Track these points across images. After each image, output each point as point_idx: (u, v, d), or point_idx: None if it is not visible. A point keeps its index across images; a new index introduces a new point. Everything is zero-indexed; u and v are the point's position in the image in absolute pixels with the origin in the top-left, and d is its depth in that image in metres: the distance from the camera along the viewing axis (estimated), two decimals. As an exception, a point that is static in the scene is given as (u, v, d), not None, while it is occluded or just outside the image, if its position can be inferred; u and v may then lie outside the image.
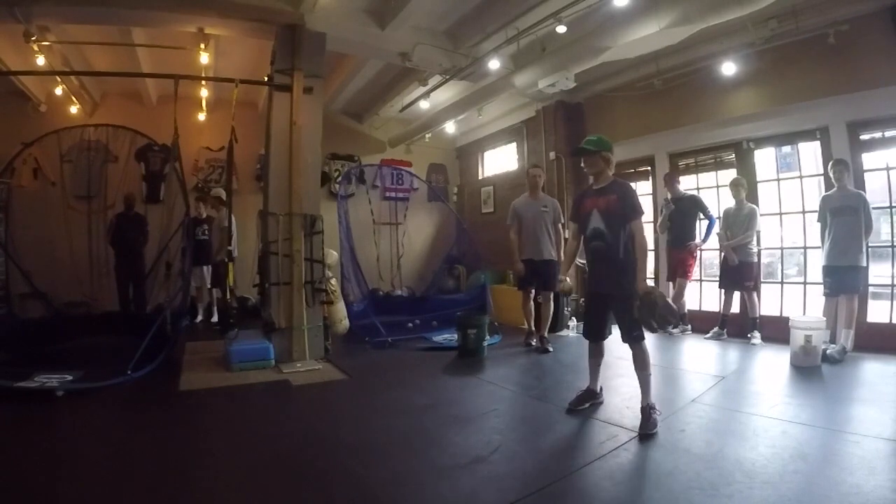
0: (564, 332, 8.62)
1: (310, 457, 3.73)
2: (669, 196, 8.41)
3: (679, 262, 8.21)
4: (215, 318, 9.61)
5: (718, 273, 8.10)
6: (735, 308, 7.93)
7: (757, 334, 7.46)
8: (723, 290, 8.02)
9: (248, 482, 3.29)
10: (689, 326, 8.37)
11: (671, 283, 8.46)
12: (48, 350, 6.78)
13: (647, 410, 4.18)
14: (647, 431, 4.01)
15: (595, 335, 4.75)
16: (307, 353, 6.74)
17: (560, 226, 7.60)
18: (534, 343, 7.65)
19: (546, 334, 7.70)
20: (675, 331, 8.15)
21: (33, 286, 8.34)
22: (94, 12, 6.58)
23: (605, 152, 4.54)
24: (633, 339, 4.37)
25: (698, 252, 8.28)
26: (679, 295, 8.23)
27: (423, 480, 3.24)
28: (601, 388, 4.87)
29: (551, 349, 7.38)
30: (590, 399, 4.76)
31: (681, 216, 8.20)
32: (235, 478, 3.39)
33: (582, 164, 4.73)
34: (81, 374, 5.49)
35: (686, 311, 8.46)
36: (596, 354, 4.82)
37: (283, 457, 3.71)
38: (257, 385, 5.71)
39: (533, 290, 7.73)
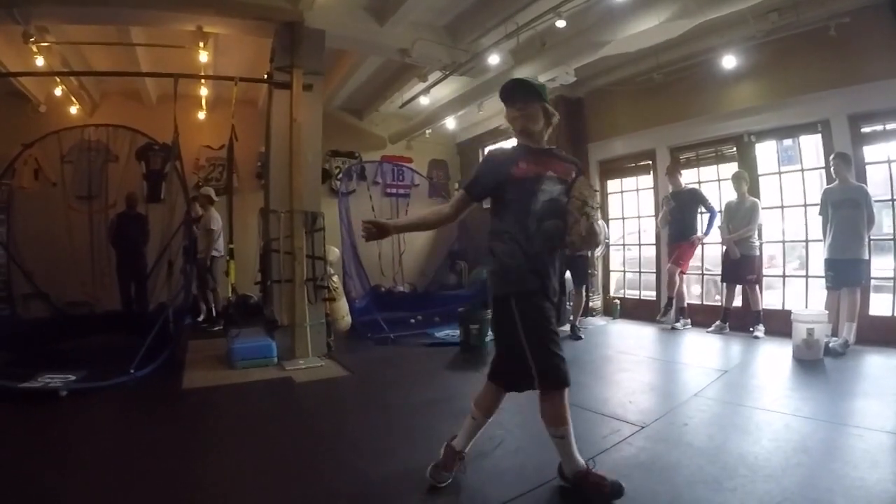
0: (566, 328, 8.62)
1: (312, 453, 3.74)
2: (671, 190, 8.43)
3: (679, 253, 8.22)
4: (202, 317, 9.62)
5: (721, 266, 8.08)
6: (737, 301, 7.92)
7: (761, 327, 7.44)
8: (724, 284, 8.03)
9: (251, 479, 3.30)
10: (689, 320, 8.35)
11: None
12: (51, 350, 6.79)
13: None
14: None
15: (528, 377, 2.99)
16: (310, 350, 6.75)
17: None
18: None
19: (578, 323, 8.00)
20: (678, 325, 8.20)
21: (35, 286, 8.36)
22: (92, 12, 6.58)
23: (545, 104, 3.14)
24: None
25: (699, 245, 8.28)
26: (671, 283, 8.25)
27: (426, 476, 3.23)
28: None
29: (583, 336, 7.77)
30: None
31: (681, 211, 8.21)
32: (238, 475, 3.39)
33: (512, 116, 3.14)
34: (84, 373, 5.51)
35: (685, 304, 8.44)
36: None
37: (286, 454, 3.72)
38: (260, 382, 5.72)
39: None
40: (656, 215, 8.88)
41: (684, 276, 8.34)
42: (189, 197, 7.12)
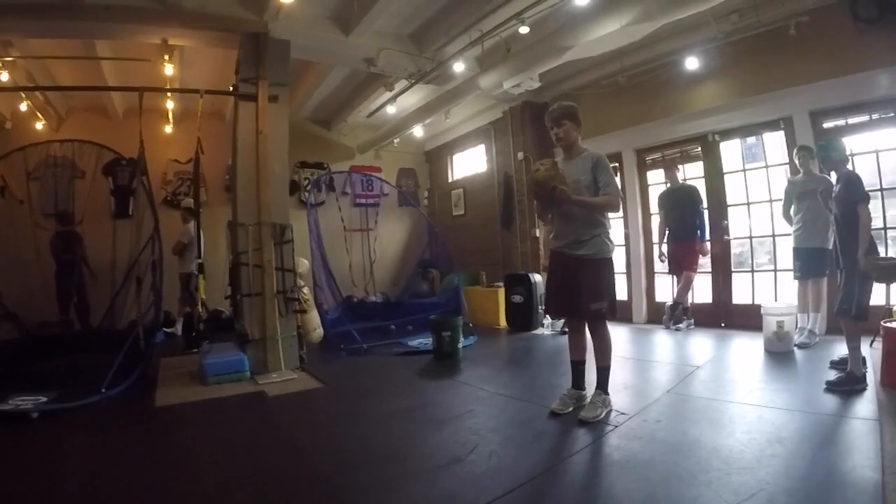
0: (539, 331, 8.67)
1: (288, 467, 3.69)
2: (668, 186, 8.47)
3: (684, 255, 8.12)
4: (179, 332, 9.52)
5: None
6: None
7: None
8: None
9: (226, 497, 3.26)
10: (693, 320, 8.23)
11: (674, 277, 8.47)
12: (22, 372, 6.65)
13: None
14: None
15: None
16: (282, 364, 6.69)
17: None
18: None
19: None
20: (682, 326, 8.09)
21: (4, 307, 8.20)
22: (57, 26, 6.47)
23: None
24: None
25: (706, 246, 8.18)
26: (685, 288, 8.19)
27: (401, 484, 3.23)
28: None
29: None
30: None
31: (680, 209, 8.16)
32: (214, 493, 3.34)
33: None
34: (56, 394, 5.41)
35: (689, 304, 8.37)
36: None
37: (262, 469, 3.67)
38: (233, 398, 5.65)
39: None
40: (625, 217, 9.01)
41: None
42: (156, 212, 7.01)
